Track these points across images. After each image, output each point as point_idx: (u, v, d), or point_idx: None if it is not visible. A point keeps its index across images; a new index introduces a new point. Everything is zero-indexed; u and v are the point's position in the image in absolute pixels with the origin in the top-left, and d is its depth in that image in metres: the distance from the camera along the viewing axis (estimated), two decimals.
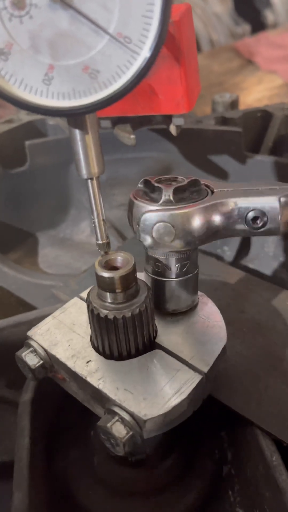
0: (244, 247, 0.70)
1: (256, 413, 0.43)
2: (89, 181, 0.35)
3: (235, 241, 0.71)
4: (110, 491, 0.49)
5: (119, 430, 0.35)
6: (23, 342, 0.45)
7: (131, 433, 0.35)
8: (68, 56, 0.29)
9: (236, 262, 0.70)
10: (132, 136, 0.52)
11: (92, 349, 0.40)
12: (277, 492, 0.39)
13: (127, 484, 0.49)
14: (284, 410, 0.44)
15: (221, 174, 0.67)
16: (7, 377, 0.61)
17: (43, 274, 0.69)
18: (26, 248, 0.75)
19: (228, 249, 0.70)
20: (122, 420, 0.35)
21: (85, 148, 0.33)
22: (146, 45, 0.28)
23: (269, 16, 2.51)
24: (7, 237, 0.74)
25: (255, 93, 1.73)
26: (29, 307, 0.65)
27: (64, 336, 0.42)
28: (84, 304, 0.45)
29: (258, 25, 2.49)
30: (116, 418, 0.35)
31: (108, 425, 0.35)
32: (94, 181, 0.35)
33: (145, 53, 0.28)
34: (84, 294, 0.46)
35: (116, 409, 0.35)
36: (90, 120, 0.32)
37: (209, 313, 0.42)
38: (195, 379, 0.37)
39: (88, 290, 0.46)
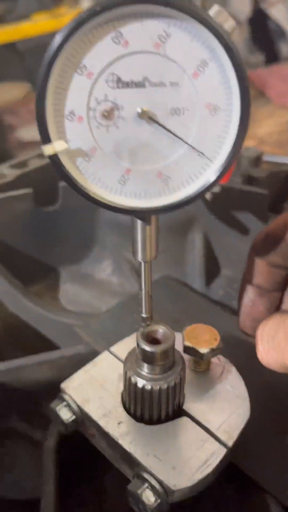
0: None
1: (268, 479, 0.45)
2: (143, 262, 0.37)
3: None
4: None
5: (148, 497, 0.37)
6: (42, 381, 0.46)
7: (159, 501, 0.37)
8: (145, 163, 0.31)
9: None
10: None
11: (122, 409, 0.42)
12: None
13: None
14: None
15: (243, 230, 0.70)
16: (21, 411, 0.63)
17: (63, 311, 0.71)
18: (47, 281, 0.76)
19: None
20: (152, 488, 0.37)
21: (144, 237, 0.35)
22: (217, 160, 0.31)
23: (283, 49, 2.56)
24: (30, 270, 0.75)
25: (266, 127, 1.78)
26: (47, 341, 0.66)
27: (95, 393, 0.44)
28: (115, 360, 0.47)
29: (272, 56, 2.55)
30: (146, 485, 0.37)
31: (139, 491, 0.37)
32: (148, 264, 0.37)
33: (215, 167, 0.31)
34: (114, 349, 0.48)
35: (146, 475, 0.38)
36: None
37: (234, 382, 0.45)
38: (221, 452, 0.39)
39: (119, 345, 0.48)
